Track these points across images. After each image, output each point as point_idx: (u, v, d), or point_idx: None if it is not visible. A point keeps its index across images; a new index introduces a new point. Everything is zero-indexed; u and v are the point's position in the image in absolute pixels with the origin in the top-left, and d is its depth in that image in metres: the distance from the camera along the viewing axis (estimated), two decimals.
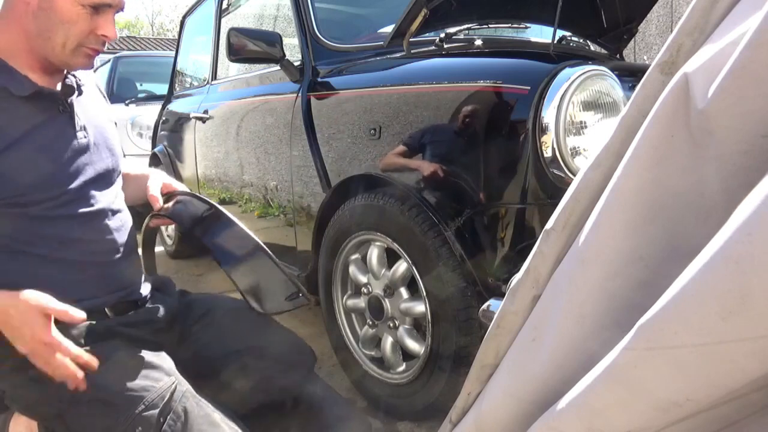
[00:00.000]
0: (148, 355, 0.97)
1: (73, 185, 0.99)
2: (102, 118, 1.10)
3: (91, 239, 0.99)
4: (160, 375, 0.93)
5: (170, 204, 1.11)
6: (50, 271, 0.92)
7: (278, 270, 1.00)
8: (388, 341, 1.50)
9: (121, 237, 1.05)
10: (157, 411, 0.88)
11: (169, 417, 0.89)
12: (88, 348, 0.93)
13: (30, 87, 0.94)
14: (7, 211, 0.92)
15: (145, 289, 1.12)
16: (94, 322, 0.97)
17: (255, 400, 1.10)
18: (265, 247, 1.00)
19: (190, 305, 1.17)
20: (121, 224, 1.07)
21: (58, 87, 1.00)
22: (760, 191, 0.45)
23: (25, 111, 0.94)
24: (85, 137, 1.02)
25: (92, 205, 1.01)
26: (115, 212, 1.05)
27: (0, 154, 0.89)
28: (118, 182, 1.11)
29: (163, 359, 0.99)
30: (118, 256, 1.04)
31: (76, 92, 1.03)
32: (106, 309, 1.03)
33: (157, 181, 1.18)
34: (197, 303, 1.18)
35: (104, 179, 1.05)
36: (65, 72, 1.02)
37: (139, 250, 1.15)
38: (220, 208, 1.05)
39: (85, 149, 1.01)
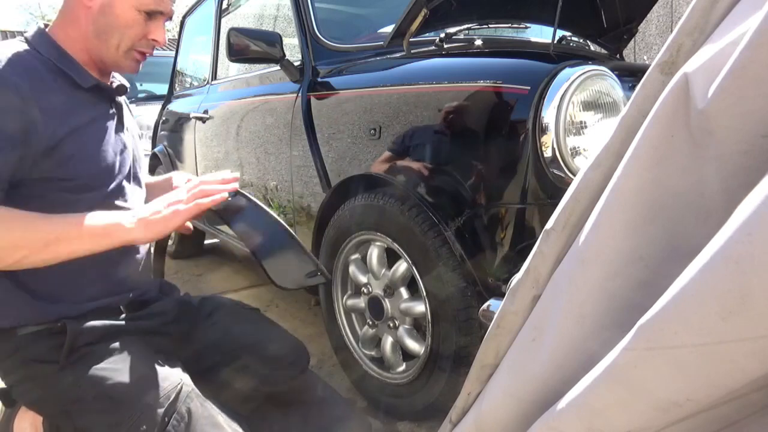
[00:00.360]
0: (156, 355, 0.99)
1: (117, 180, 1.03)
2: (133, 125, 1.17)
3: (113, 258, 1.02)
4: (167, 375, 0.95)
5: None
6: (80, 265, 0.94)
7: (299, 248, 1.05)
8: (388, 341, 1.50)
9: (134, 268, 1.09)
10: (162, 410, 0.89)
11: (173, 417, 0.90)
12: (101, 345, 0.96)
13: (91, 80, 1.01)
14: (62, 195, 0.94)
15: (154, 291, 1.15)
16: (110, 322, 1.00)
17: (255, 396, 1.11)
18: (287, 226, 1.04)
19: (200, 305, 1.20)
20: None
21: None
22: (760, 191, 0.45)
23: (85, 102, 1.00)
24: (129, 138, 1.10)
25: (127, 202, 1.05)
26: None
27: (67, 137, 0.93)
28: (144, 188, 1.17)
29: (170, 360, 1.00)
30: (138, 256, 1.09)
31: (125, 95, 1.11)
32: (120, 307, 1.05)
33: (182, 176, 1.24)
34: (205, 303, 1.21)
35: (138, 181, 1.11)
36: (111, 76, 1.09)
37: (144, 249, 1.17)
38: (244, 192, 1.08)
39: (127, 148, 1.08)
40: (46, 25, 1.02)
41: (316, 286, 1.72)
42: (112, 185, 1.02)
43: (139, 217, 0.92)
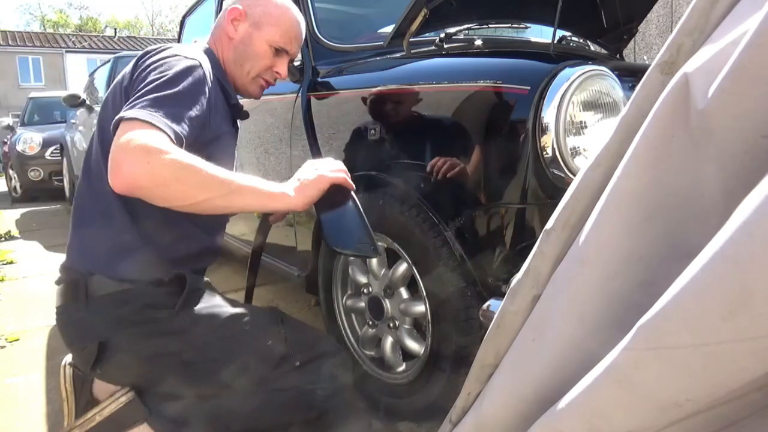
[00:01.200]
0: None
1: None
2: None
3: (216, 223, 1.21)
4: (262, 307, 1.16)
5: None
6: (196, 233, 1.13)
7: (361, 220, 1.09)
8: (388, 341, 1.50)
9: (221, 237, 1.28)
10: (278, 325, 1.09)
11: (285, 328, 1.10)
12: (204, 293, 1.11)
13: (235, 98, 1.21)
14: None
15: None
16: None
17: None
18: (357, 200, 1.11)
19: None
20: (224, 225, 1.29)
21: None
22: (760, 191, 0.45)
23: (228, 115, 1.19)
24: (237, 154, 1.27)
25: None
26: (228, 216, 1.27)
27: (216, 139, 1.11)
28: None
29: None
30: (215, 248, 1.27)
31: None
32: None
33: None
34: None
35: None
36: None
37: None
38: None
39: (234, 164, 1.24)
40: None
41: (316, 287, 1.72)
42: None
43: (294, 186, 1.08)
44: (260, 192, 1.02)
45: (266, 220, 1.38)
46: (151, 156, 0.88)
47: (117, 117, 0.93)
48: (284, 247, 1.94)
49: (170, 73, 1.00)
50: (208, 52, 1.18)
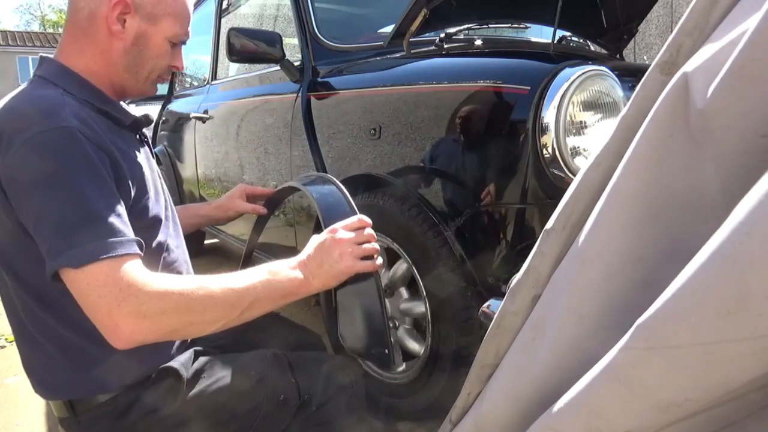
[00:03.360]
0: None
1: (168, 206, 1.01)
2: None
3: (176, 260, 1.02)
4: (264, 352, 1.04)
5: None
6: None
7: (382, 326, 0.99)
8: None
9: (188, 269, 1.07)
10: (289, 375, 1.00)
11: (295, 375, 1.01)
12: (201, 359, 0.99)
13: (129, 116, 0.96)
14: (138, 234, 0.88)
15: None
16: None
17: None
18: (380, 283, 0.99)
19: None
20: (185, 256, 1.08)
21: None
22: (758, 190, 0.45)
23: (126, 138, 0.95)
24: (157, 168, 1.03)
25: (177, 229, 1.04)
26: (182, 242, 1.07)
27: (133, 179, 0.88)
28: None
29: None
30: None
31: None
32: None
33: (234, 194, 1.36)
34: None
35: (171, 202, 1.07)
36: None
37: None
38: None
39: (160, 179, 1.02)
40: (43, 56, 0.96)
41: None
42: (167, 213, 0.99)
43: (315, 273, 0.94)
44: (279, 293, 0.89)
45: (260, 222, 1.32)
46: (143, 305, 0.75)
47: (49, 268, 0.76)
48: (284, 247, 1.94)
49: (58, 171, 0.77)
50: (61, 77, 0.90)
